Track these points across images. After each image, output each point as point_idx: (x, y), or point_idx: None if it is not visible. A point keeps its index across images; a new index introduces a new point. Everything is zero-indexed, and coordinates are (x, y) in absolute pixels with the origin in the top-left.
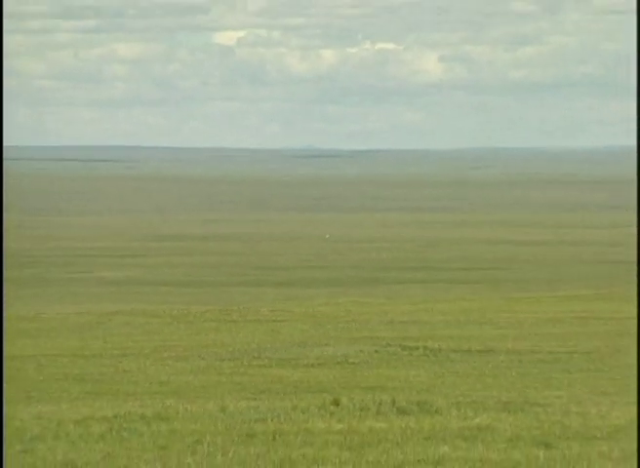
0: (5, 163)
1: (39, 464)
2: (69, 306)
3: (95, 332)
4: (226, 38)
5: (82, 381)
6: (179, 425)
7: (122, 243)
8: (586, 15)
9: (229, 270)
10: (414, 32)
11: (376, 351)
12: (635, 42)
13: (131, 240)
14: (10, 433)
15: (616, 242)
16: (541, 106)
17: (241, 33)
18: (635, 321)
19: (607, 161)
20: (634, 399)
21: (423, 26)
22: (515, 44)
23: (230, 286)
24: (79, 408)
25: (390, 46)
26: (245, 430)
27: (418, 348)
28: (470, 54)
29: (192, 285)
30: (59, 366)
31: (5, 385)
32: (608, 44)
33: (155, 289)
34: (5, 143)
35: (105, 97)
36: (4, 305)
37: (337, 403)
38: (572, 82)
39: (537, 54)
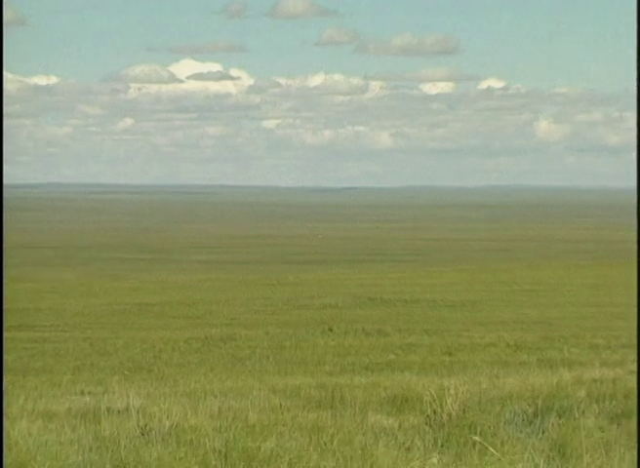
0: (144, 195)
1: (164, 364)
2: (179, 275)
3: (192, 291)
4: (270, 124)
5: (185, 318)
6: (242, 343)
7: (210, 240)
8: (473, 112)
9: (270, 255)
10: (375, 120)
11: (352, 301)
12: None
13: (215, 238)
14: (145, 348)
15: (488, 238)
16: (448, 162)
17: (278, 121)
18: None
19: (487, 194)
20: (501, 328)
21: (380, 117)
22: (432, 127)
23: (271, 264)
24: (184, 333)
25: (362, 128)
26: (279, 345)
27: (376, 299)
28: (407, 132)
29: (249, 263)
30: (172, 309)
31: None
32: (484, 127)
33: (229, 266)
34: (148, 182)
35: (200, 157)
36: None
37: (330, 329)
38: (464, 149)
39: (445, 132)
